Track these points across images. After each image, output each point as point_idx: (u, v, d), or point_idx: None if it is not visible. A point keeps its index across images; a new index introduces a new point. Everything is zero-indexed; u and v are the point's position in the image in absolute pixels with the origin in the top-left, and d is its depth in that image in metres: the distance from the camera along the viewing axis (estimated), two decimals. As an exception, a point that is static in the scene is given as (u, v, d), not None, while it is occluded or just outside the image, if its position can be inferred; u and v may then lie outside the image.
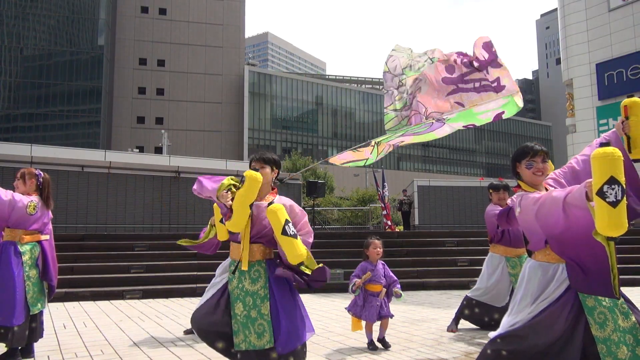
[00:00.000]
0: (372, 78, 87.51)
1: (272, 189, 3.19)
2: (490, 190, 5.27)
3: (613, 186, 2.12)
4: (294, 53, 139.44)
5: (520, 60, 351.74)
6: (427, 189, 16.41)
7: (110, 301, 7.67)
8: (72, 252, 9.21)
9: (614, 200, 2.11)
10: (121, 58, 50.25)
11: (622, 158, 2.19)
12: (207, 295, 3.13)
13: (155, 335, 5.15)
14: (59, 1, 48.86)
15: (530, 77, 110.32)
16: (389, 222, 16.27)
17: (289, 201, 3.12)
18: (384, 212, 16.44)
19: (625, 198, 2.14)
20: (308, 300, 7.72)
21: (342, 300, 7.68)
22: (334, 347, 4.63)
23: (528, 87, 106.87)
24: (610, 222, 2.12)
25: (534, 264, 2.70)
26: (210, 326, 2.98)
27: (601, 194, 2.13)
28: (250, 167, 3.12)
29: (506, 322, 2.65)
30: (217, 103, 51.46)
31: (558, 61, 66.79)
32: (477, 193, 16.15)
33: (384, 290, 4.49)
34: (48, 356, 4.32)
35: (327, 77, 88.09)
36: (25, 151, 12.02)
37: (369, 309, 4.43)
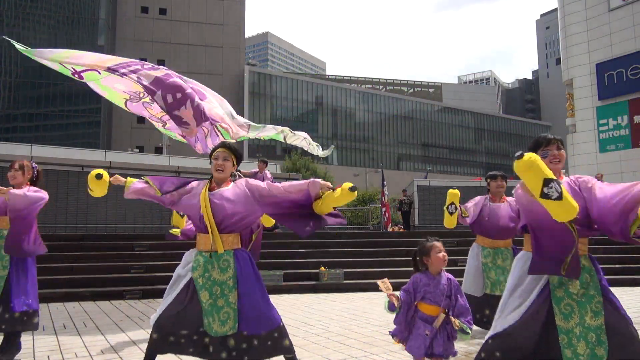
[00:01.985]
0: (372, 78, 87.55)
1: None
2: (488, 180, 5.33)
3: (550, 185, 2.32)
4: (294, 53, 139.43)
5: (520, 60, 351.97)
6: (427, 189, 16.42)
7: (110, 301, 7.67)
8: (72, 252, 9.21)
9: (558, 195, 2.31)
10: (121, 58, 50.24)
11: (539, 157, 2.40)
12: (170, 297, 3.10)
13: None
14: (59, 1, 48.87)
15: (530, 77, 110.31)
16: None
17: (243, 180, 3.23)
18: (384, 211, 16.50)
19: (563, 187, 2.35)
20: (308, 300, 7.73)
21: (342, 301, 7.68)
22: (334, 347, 4.63)
23: (528, 87, 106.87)
24: (564, 212, 2.34)
25: (520, 253, 2.86)
26: (182, 328, 2.99)
27: (545, 196, 2.33)
28: (211, 156, 3.24)
29: (498, 323, 2.71)
30: (217, 103, 51.44)
31: (558, 61, 66.77)
32: (477, 193, 16.06)
33: (442, 315, 3.07)
34: (48, 356, 4.32)
35: (327, 77, 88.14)
36: (25, 151, 12.02)
37: (416, 339, 3.10)
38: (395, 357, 4.28)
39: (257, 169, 10.73)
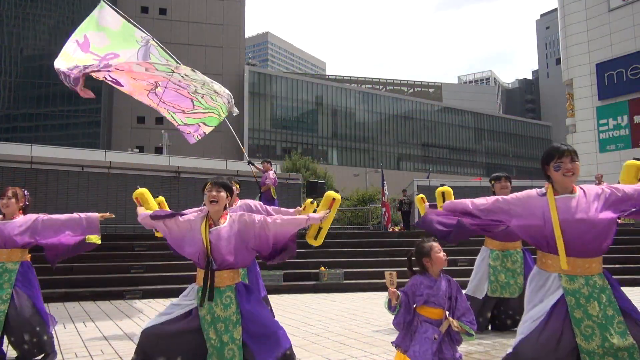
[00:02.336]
0: (372, 78, 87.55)
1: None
2: (493, 182, 5.24)
3: None
4: (294, 53, 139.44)
5: (520, 60, 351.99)
6: (427, 189, 16.40)
7: (110, 301, 7.67)
8: (72, 252, 9.21)
9: None
10: (121, 58, 50.27)
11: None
12: (170, 315, 3.05)
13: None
14: (59, 1, 48.90)
15: (530, 77, 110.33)
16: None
17: (245, 204, 3.23)
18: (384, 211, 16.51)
19: None
20: (308, 300, 7.73)
21: (342, 301, 7.68)
22: (334, 347, 4.63)
23: (528, 87, 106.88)
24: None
25: (534, 271, 2.78)
26: (171, 337, 2.96)
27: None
28: (203, 189, 3.19)
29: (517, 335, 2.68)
30: (217, 103, 51.45)
31: (558, 61, 66.76)
32: (477, 193, 16.10)
33: (450, 320, 2.90)
34: (48, 356, 4.32)
35: (327, 77, 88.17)
36: (25, 151, 12.02)
37: (421, 343, 2.85)
38: (395, 357, 4.28)
39: (264, 168, 10.81)
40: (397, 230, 16.76)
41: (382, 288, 8.57)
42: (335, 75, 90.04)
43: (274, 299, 7.82)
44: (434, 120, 68.02)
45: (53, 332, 4.16)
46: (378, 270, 9.54)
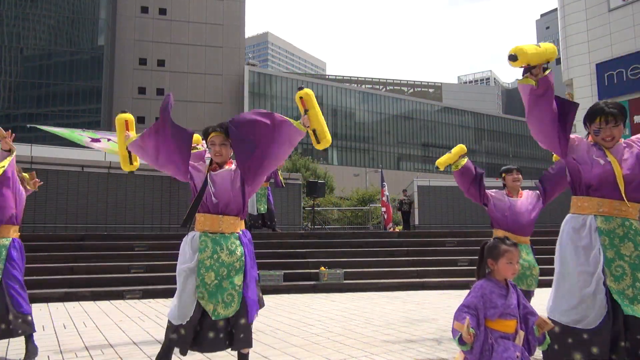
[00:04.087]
0: (372, 78, 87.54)
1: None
2: (504, 174, 5.11)
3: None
4: (294, 53, 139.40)
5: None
6: (427, 189, 16.40)
7: (110, 301, 7.67)
8: (72, 252, 9.22)
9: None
10: (121, 58, 50.24)
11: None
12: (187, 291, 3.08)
13: (155, 335, 5.15)
14: (59, 1, 48.84)
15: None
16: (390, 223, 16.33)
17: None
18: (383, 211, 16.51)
19: None
20: (308, 300, 7.73)
21: (342, 301, 7.68)
22: (334, 347, 4.63)
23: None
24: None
25: (568, 217, 2.83)
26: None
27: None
28: (206, 139, 3.18)
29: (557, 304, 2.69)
30: (217, 103, 51.45)
31: (558, 61, 66.80)
32: (477, 193, 16.10)
33: (522, 332, 2.48)
34: (48, 356, 4.32)
35: (327, 77, 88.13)
36: (25, 151, 11.99)
37: None
38: (395, 357, 4.28)
39: None
40: (397, 230, 16.77)
41: (382, 288, 8.60)
42: (335, 75, 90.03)
43: (274, 299, 7.82)
44: (434, 120, 68.00)
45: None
46: (378, 270, 9.54)
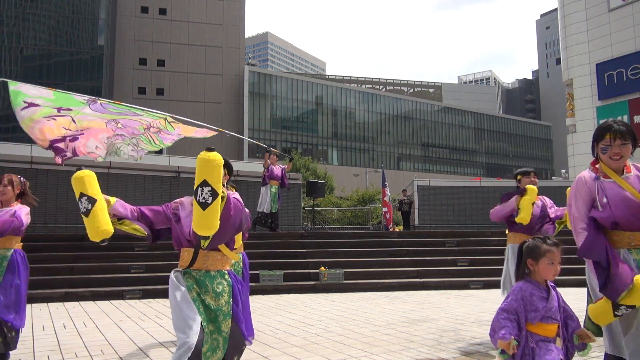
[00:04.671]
0: (372, 78, 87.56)
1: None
2: (519, 177, 5.06)
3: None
4: (294, 53, 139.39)
5: (520, 60, 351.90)
6: (427, 189, 16.40)
7: (110, 301, 7.67)
8: (72, 252, 9.22)
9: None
10: (121, 58, 50.24)
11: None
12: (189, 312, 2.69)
13: (155, 336, 5.15)
14: (59, 1, 48.86)
15: (530, 77, 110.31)
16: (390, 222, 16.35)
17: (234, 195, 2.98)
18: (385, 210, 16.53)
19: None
20: (307, 300, 7.73)
21: (342, 301, 7.68)
22: (334, 347, 4.63)
23: (528, 87, 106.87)
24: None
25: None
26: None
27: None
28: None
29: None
30: (217, 103, 51.46)
31: (558, 61, 66.75)
32: (477, 193, 16.14)
33: (584, 332, 2.38)
34: (48, 356, 4.32)
35: (327, 77, 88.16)
36: (25, 151, 11.99)
37: None
38: (395, 357, 4.28)
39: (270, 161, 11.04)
40: (397, 230, 16.77)
41: (382, 288, 8.60)
42: (335, 75, 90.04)
43: (274, 299, 7.83)
44: (434, 120, 68.00)
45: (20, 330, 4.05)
46: (378, 270, 9.55)
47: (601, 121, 2.83)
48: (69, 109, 4.47)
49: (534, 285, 2.37)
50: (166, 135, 5.37)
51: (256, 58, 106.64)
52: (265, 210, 10.80)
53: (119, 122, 4.85)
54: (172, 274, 2.85)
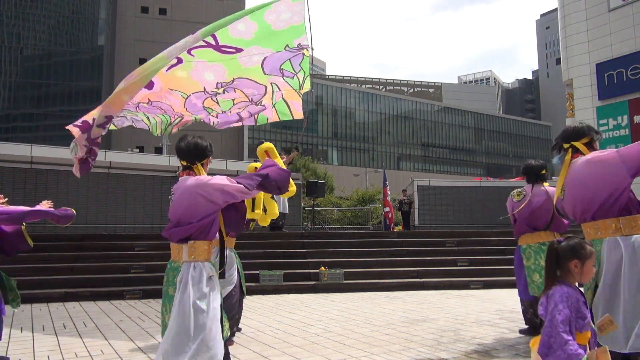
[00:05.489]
0: (372, 78, 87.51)
1: None
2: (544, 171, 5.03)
3: None
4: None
5: (520, 60, 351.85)
6: (427, 189, 16.40)
7: (110, 301, 7.67)
8: (71, 252, 9.22)
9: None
10: (121, 58, 50.25)
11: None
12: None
13: (155, 335, 5.15)
14: (59, 1, 48.89)
15: (530, 77, 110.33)
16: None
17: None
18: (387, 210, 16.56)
19: None
20: (307, 300, 7.72)
21: (342, 301, 7.68)
22: (334, 347, 4.63)
23: (528, 87, 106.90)
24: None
25: (613, 241, 2.87)
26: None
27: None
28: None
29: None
30: (217, 103, 51.47)
31: (558, 61, 66.78)
32: (477, 193, 16.14)
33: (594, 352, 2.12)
34: (48, 356, 4.32)
35: (327, 77, 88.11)
36: (25, 151, 12.00)
37: None
38: (395, 357, 4.28)
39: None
40: (397, 230, 16.77)
41: (382, 288, 8.60)
42: (335, 75, 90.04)
43: (274, 299, 7.83)
44: (434, 120, 68.02)
45: None
46: (378, 270, 9.54)
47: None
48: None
49: (573, 290, 2.13)
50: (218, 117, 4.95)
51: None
52: (282, 211, 10.86)
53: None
54: (206, 268, 2.62)
